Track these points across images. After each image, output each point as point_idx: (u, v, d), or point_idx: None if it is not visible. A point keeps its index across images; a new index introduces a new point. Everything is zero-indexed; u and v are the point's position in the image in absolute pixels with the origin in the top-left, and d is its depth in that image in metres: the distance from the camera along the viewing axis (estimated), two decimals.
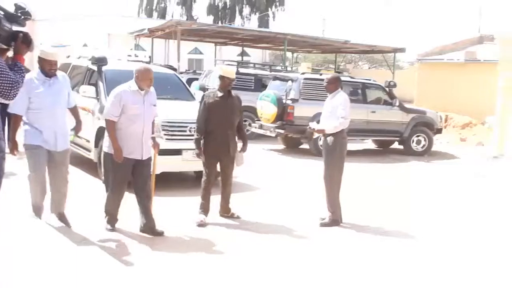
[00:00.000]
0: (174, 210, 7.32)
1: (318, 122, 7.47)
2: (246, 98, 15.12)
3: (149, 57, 13.01)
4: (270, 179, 10.07)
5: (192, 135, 8.08)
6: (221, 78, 6.85)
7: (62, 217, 6.18)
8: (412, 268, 5.69)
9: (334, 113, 7.05)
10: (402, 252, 6.22)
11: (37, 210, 5.98)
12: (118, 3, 76.54)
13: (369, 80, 14.94)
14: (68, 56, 11.08)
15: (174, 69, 17.12)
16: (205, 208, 6.93)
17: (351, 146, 13.71)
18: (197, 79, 16.88)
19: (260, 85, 15.90)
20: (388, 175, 11.38)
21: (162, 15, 44.77)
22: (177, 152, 8.06)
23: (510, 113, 13.97)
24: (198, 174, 9.14)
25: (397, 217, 7.67)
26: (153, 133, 6.24)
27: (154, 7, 45.18)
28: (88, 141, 8.79)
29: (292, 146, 14.33)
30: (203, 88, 13.50)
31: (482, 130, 19.16)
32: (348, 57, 45.08)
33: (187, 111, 8.33)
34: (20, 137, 5.88)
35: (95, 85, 8.99)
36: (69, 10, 38.65)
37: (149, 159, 6.19)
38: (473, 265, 5.89)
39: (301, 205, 8.15)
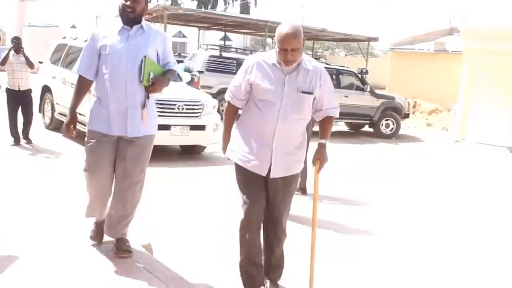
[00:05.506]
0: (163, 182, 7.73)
1: None
2: (228, 81, 15.57)
3: None
4: None
5: (180, 112, 8.83)
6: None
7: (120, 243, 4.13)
8: (367, 236, 6.35)
9: None
10: (363, 221, 6.79)
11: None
12: None
13: (343, 66, 15.59)
14: (64, 37, 11.50)
15: None
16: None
17: None
18: (182, 61, 17.33)
19: None
20: (357, 155, 12.00)
21: None
22: (166, 127, 8.61)
23: (472, 101, 14.76)
24: (183, 147, 9.83)
25: (360, 190, 8.33)
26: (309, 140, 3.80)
27: None
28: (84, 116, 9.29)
29: None
30: (188, 70, 14.07)
31: (447, 116, 20.01)
32: (325, 44, 45.63)
33: (176, 91, 8.89)
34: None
35: None
36: None
37: (290, 179, 3.74)
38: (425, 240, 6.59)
39: None
